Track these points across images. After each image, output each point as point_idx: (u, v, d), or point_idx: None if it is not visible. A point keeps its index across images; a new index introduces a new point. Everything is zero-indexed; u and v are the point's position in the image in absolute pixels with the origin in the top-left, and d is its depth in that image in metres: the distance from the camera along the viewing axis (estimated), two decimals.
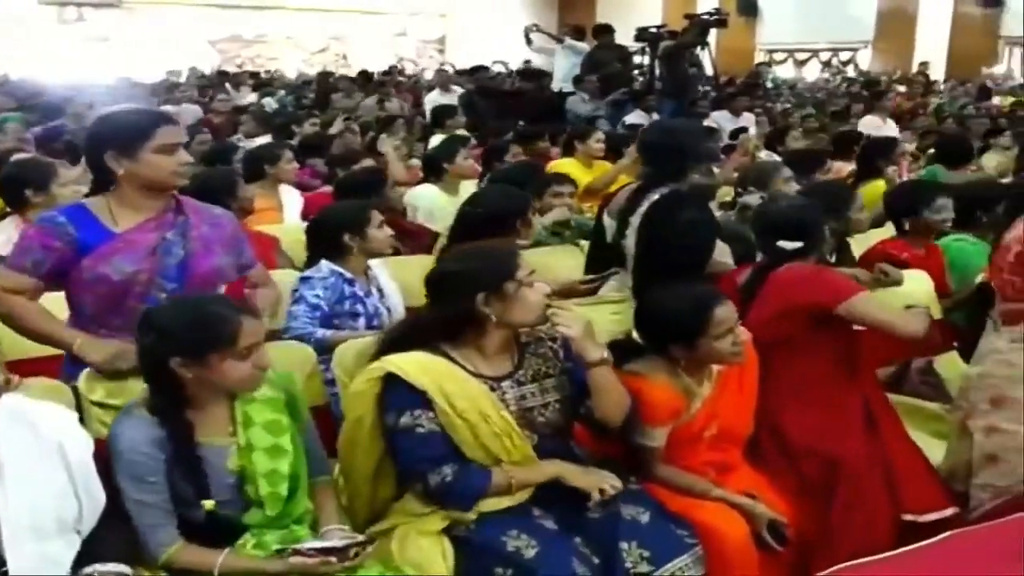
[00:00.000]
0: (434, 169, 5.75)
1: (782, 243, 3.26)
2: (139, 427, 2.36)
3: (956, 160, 6.51)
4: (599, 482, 2.58)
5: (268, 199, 5.27)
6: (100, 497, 2.24)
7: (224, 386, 2.42)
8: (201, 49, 21.31)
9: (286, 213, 5.36)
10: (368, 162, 5.93)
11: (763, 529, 2.78)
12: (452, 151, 5.76)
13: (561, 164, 6.33)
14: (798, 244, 3.25)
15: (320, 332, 3.30)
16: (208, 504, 2.37)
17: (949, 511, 2.95)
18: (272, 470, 2.44)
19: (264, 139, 8.13)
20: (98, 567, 2.18)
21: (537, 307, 2.59)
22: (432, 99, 11.03)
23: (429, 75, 19.75)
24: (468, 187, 5.55)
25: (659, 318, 2.93)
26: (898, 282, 3.84)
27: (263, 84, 16.08)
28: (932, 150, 7.69)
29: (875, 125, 9.23)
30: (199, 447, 2.39)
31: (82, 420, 2.51)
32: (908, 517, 2.92)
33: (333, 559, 2.28)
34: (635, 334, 3.04)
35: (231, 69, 19.33)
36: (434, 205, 5.46)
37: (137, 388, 2.60)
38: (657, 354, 2.92)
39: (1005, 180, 6.25)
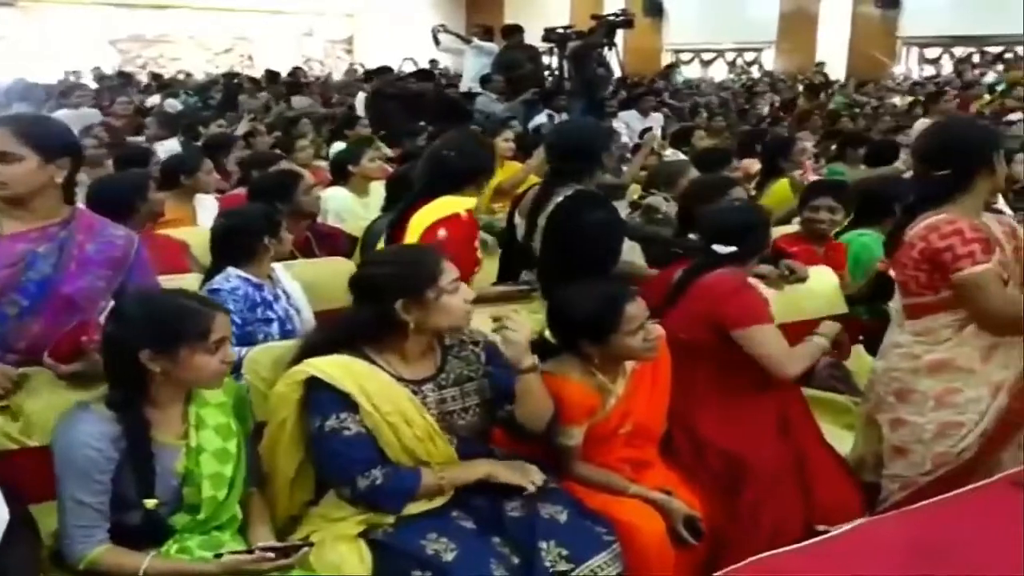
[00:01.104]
0: (341, 172, 5.72)
1: (716, 247, 3.29)
2: (95, 422, 2.31)
3: (882, 160, 6.64)
4: (529, 476, 2.61)
5: (181, 209, 5.13)
6: (3, 514, 2.17)
7: (191, 381, 2.41)
8: (101, 49, 20.80)
9: (200, 219, 5.23)
10: (282, 164, 5.84)
11: (679, 524, 2.82)
12: (357, 153, 5.73)
13: None
14: (732, 249, 3.28)
15: (233, 352, 3.14)
16: (150, 503, 2.34)
17: (860, 521, 2.96)
18: (217, 473, 2.43)
19: (170, 142, 7.97)
20: None
21: (459, 313, 2.60)
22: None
23: (337, 76, 19.60)
24: (377, 188, 5.52)
25: (570, 316, 2.93)
26: (803, 279, 3.91)
27: (166, 85, 15.76)
28: (834, 148, 7.86)
29: None
30: (153, 446, 2.36)
31: None
32: (820, 527, 2.94)
33: (270, 555, 2.28)
34: (547, 334, 3.05)
35: (132, 69, 18.91)
36: (343, 207, 5.43)
37: (42, 395, 2.58)
38: (570, 353, 2.93)
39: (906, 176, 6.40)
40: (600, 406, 2.91)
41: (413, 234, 3.59)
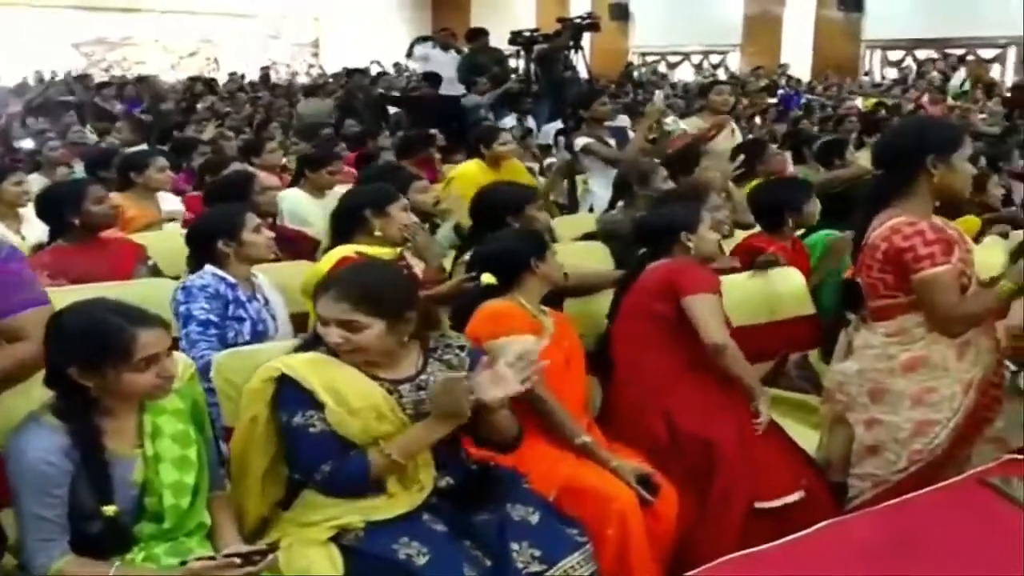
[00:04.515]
0: (304, 174, 5.68)
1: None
2: (46, 436, 2.26)
3: (830, 158, 6.67)
4: (507, 385, 2.50)
5: (142, 207, 5.11)
6: None
7: (127, 396, 2.35)
8: (65, 52, 20.57)
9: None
10: (236, 166, 5.80)
11: (631, 480, 2.89)
12: (323, 161, 5.70)
13: (465, 168, 6.24)
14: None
15: (179, 360, 2.99)
16: (109, 510, 2.29)
17: (792, 497, 3.05)
18: (178, 482, 2.39)
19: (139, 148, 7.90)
20: None
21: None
22: None
23: (303, 79, 19.50)
24: (335, 191, 5.45)
25: (502, 252, 3.26)
26: (776, 262, 4.06)
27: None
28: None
29: None
30: (107, 456, 2.31)
31: None
32: (757, 504, 3.03)
33: (237, 560, 2.24)
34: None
35: (97, 73, 18.70)
36: (296, 207, 5.38)
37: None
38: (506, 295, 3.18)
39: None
40: (541, 329, 3.11)
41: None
